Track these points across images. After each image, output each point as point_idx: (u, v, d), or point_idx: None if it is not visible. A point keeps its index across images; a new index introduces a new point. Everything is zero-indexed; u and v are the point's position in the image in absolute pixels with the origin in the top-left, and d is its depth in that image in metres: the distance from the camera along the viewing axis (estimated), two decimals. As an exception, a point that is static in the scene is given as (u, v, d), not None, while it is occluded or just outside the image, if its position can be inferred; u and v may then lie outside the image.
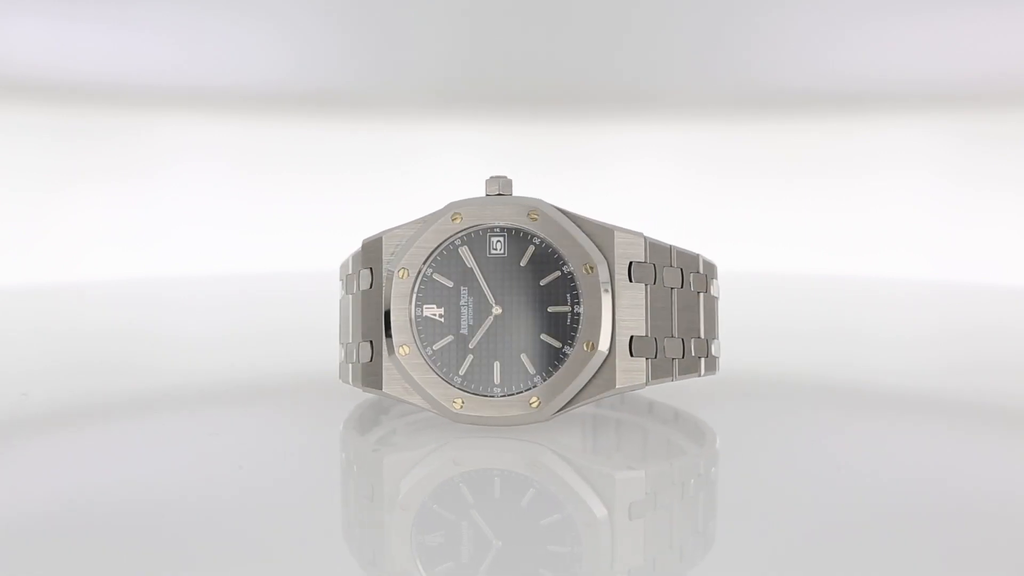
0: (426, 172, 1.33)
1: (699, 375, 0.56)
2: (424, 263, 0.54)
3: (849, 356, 0.82)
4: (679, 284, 0.54)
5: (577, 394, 0.52)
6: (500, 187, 0.55)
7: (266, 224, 1.31)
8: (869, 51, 1.32)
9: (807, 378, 0.73)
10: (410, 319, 0.54)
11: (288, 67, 1.35)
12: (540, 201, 0.54)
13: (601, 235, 0.53)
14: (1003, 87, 1.31)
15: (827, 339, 0.90)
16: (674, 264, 0.54)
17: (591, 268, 0.52)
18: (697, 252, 0.56)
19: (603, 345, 0.52)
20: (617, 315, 0.52)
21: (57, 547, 0.40)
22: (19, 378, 0.70)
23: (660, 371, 0.53)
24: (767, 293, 1.16)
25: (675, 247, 0.55)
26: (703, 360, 0.56)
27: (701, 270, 0.56)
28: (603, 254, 0.52)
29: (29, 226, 1.23)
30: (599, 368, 0.52)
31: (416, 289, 0.54)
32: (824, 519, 0.44)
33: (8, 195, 1.23)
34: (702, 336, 0.56)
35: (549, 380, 0.52)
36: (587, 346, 0.52)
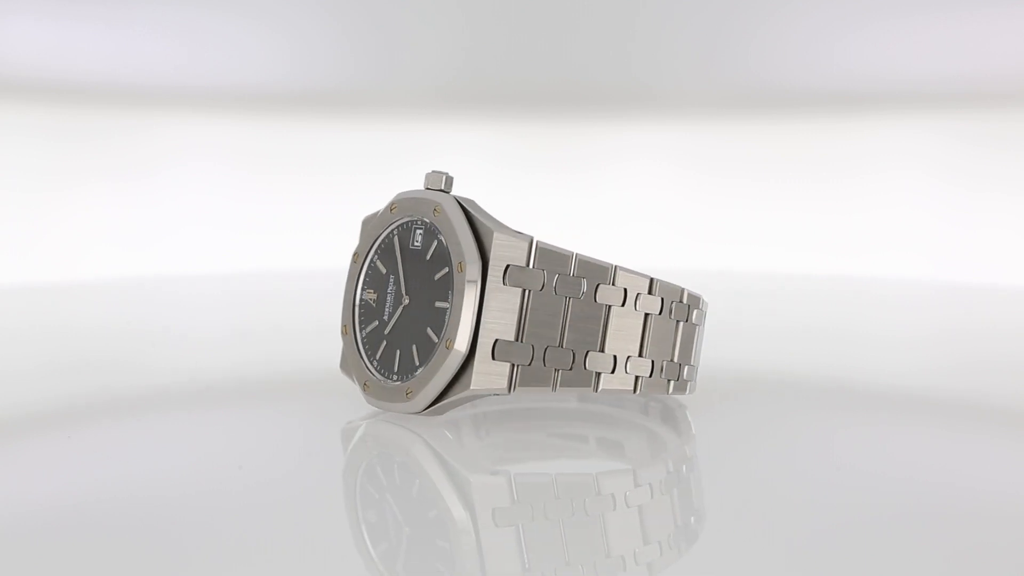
0: (425, 172, 1.33)
1: (634, 393, 0.54)
2: (370, 249, 0.56)
3: (848, 356, 0.82)
4: (577, 294, 0.52)
5: (445, 391, 0.52)
6: (430, 182, 0.55)
7: (266, 224, 1.31)
8: (869, 52, 1.32)
9: (806, 378, 0.73)
10: (354, 302, 0.57)
11: (288, 67, 1.35)
12: (448, 197, 0.54)
13: (487, 235, 0.52)
14: (1003, 87, 1.31)
15: (826, 339, 0.90)
16: (574, 273, 0.52)
17: (462, 267, 0.51)
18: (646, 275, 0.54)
19: (460, 344, 0.51)
20: (483, 317, 0.51)
21: (57, 547, 0.40)
22: (21, 377, 0.70)
23: (533, 379, 0.51)
24: (766, 293, 1.16)
25: (579, 256, 0.52)
26: (672, 382, 0.55)
27: (684, 300, 0.55)
28: (484, 254, 0.51)
29: (29, 226, 1.23)
30: (462, 367, 0.51)
31: (363, 273, 0.57)
32: (823, 520, 0.44)
33: (8, 195, 1.23)
34: (637, 354, 0.54)
35: (420, 373, 0.52)
36: (447, 344, 0.51)
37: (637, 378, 0.54)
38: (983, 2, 1.27)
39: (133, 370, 0.72)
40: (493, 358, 0.51)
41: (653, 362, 0.54)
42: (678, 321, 0.55)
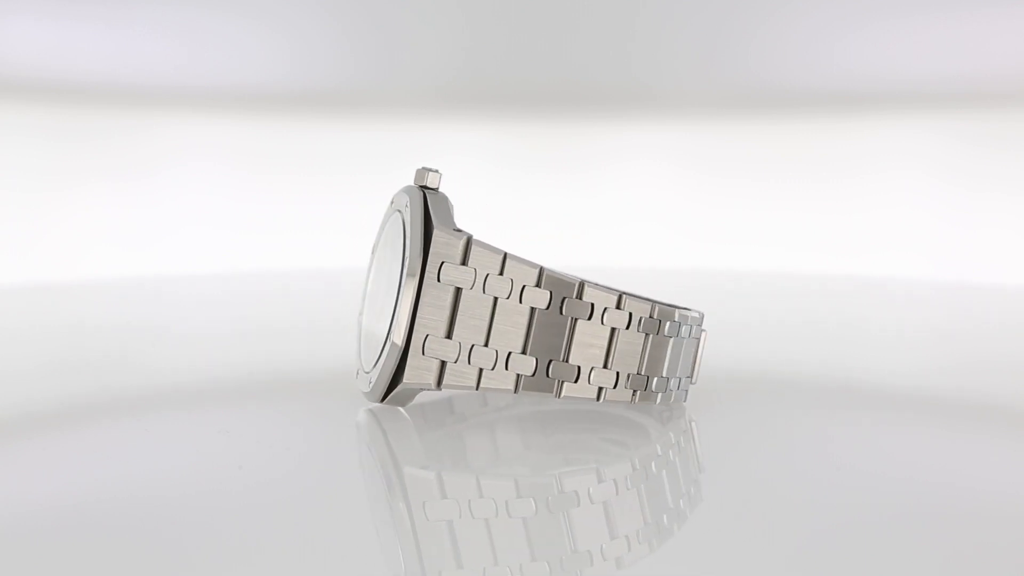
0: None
1: (556, 396, 0.53)
2: (377, 241, 0.58)
3: (848, 355, 0.82)
4: (504, 295, 0.52)
5: (392, 382, 0.53)
6: (415, 177, 0.56)
7: (266, 224, 1.31)
8: (869, 51, 1.32)
9: (806, 377, 0.73)
10: (366, 292, 0.58)
11: (288, 67, 1.35)
12: (416, 192, 0.55)
13: (431, 232, 0.52)
14: (1003, 87, 1.31)
15: (826, 338, 0.90)
16: (502, 274, 0.52)
17: (405, 263, 0.52)
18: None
19: (396, 338, 0.52)
20: (419, 312, 0.52)
21: (57, 547, 0.40)
22: (22, 376, 0.70)
23: (458, 376, 0.52)
24: (766, 293, 1.16)
25: (509, 256, 0.52)
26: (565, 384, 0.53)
27: (622, 306, 0.53)
28: (425, 251, 0.52)
29: (30, 225, 1.23)
30: (399, 360, 0.52)
31: (373, 265, 0.58)
32: (822, 520, 0.44)
33: (8, 195, 1.23)
34: (561, 359, 0.52)
35: (377, 364, 0.54)
36: (390, 337, 0.53)
37: (560, 382, 0.53)
38: (983, 2, 1.27)
39: (133, 370, 0.73)
40: (423, 353, 0.52)
41: (579, 368, 0.53)
42: (614, 328, 0.53)
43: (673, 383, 0.57)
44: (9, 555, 0.40)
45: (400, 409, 0.56)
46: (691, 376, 0.59)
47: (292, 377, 0.70)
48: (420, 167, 0.56)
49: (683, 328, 0.56)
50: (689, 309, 0.58)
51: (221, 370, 0.74)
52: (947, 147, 1.32)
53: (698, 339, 0.58)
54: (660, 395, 0.56)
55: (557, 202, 1.33)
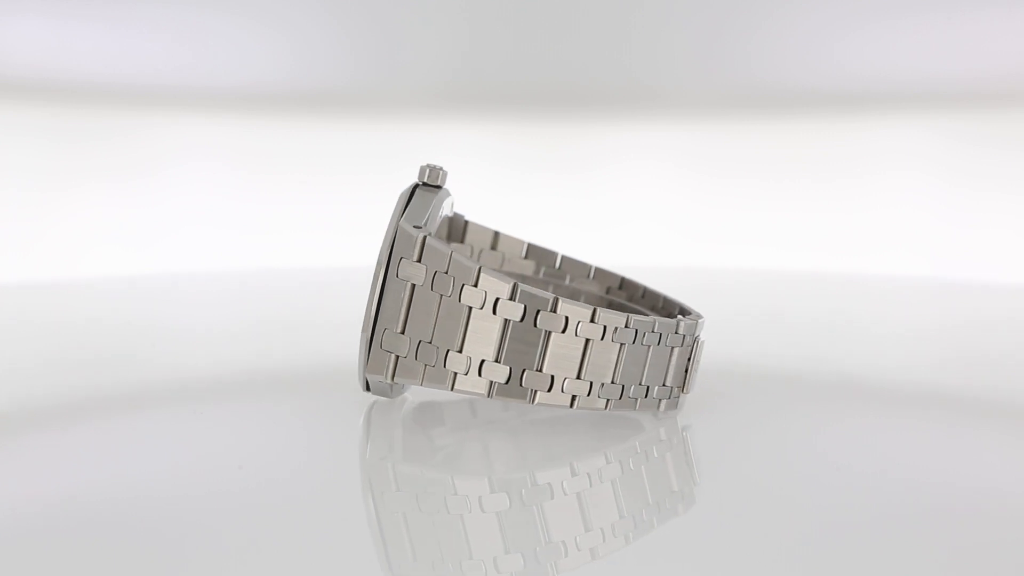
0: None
1: (488, 396, 0.52)
2: None
3: (848, 354, 0.82)
4: (447, 292, 0.52)
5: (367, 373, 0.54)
6: (417, 175, 0.56)
7: (266, 223, 1.31)
8: (869, 51, 1.32)
9: (806, 376, 0.73)
10: None
11: (288, 67, 1.35)
12: (407, 188, 0.55)
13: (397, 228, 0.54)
14: (1003, 87, 1.31)
15: (826, 337, 0.90)
16: (448, 272, 0.52)
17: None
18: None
19: (364, 330, 0.53)
20: (381, 307, 0.53)
21: (56, 546, 0.40)
22: (22, 375, 0.70)
23: (406, 371, 0.53)
24: (766, 291, 1.16)
25: (455, 255, 0.52)
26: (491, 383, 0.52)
27: (557, 310, 0.52)
28: (391, 247, 0.53)
29: (30, 225, 1.24)
30: (367, 353, 0.54)
31: None
32: (822, 521, 0.44)
33: (8, 195, 1.23)
34: (493, 359, 0.52)
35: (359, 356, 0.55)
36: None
37: (491, 383, 0.52)
38: (983, 2, 1.27)
39: (133, 369, 0.73)
40: (380, 347, 0.53)
41: (511, 369, 0.52)
42: (549, 331, 0.52)
43: (635, 391, 0.55)
44: (9, 555, 0.40)
45: (402, 396, 0.57)
46: (667, 383, 0.56)
47: (292, 376, 0.70)
48: (423, 164, 0.56)
49: (645, 335, 0.54)
50: (682, 316, 0.57)
51: (221, 369, 0.74)
52: (947, 147, 1.32)
53: (673, 348, 0.56)
54: (609, 401, 0.54)
55: (557, 202, 1.33)
